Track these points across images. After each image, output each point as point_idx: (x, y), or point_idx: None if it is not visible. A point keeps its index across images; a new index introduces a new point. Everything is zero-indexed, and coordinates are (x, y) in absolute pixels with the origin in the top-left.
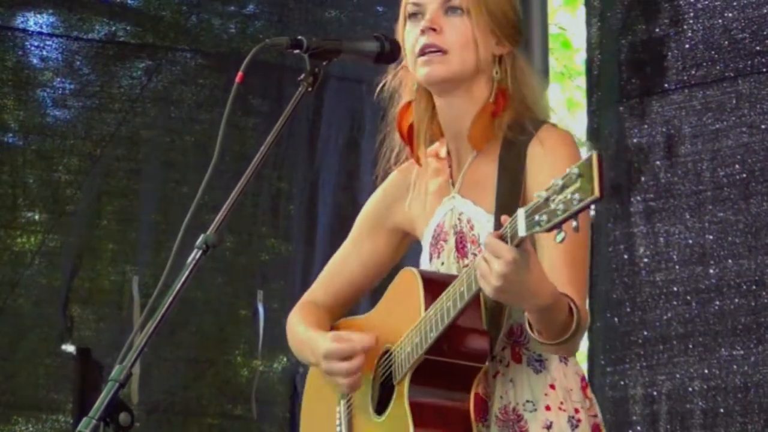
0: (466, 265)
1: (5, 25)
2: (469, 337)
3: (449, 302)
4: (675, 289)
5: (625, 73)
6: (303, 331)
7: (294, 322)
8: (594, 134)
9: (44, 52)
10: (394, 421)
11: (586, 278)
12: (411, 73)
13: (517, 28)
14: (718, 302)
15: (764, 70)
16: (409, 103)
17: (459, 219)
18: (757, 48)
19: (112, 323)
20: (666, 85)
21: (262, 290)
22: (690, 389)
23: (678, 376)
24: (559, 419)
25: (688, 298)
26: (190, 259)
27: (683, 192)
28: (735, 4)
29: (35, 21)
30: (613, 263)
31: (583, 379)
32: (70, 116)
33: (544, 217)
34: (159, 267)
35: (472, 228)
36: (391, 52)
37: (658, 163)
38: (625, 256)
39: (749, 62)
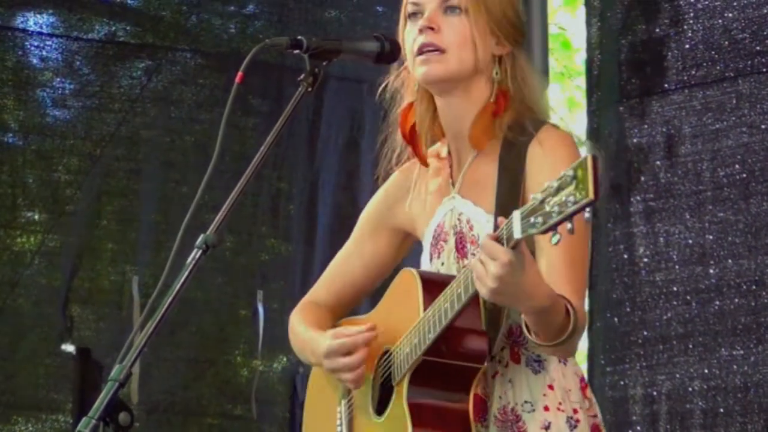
0: (466, 266)
1: (5, 25)
2: (467, 338)
3: (447, 303)
4: (675, 289)
5: (625, 73)
6: (304, 331)
7: (295, 323)
8: (594, 134)
9: (44, 52)
10: (394, 422)
11: (585, 278)
12: (412, 73)
13: (518, 28)
14: (718, 302)
15: (764, 70)
16: (411, 104)
17: (459, 219)
18: (757, 48)
19: (111, 323)
20: (666, 85)
21: (262, 290)
22: (690, 389)
23: (678, 376)
24: (557, 420)
25: (688, 298)
26: (189, 259)
27: (683, 192)
28: (735, 4)
29: (35, 21)
30: (613, 263)
31: (582, 379)
32: (70, 116)
33: (540, 219)
34: (159, 267)
35: (471, 228)
36: (391, 52)
37: (658, 163)
38: (625, 256)
39: (749, 62)
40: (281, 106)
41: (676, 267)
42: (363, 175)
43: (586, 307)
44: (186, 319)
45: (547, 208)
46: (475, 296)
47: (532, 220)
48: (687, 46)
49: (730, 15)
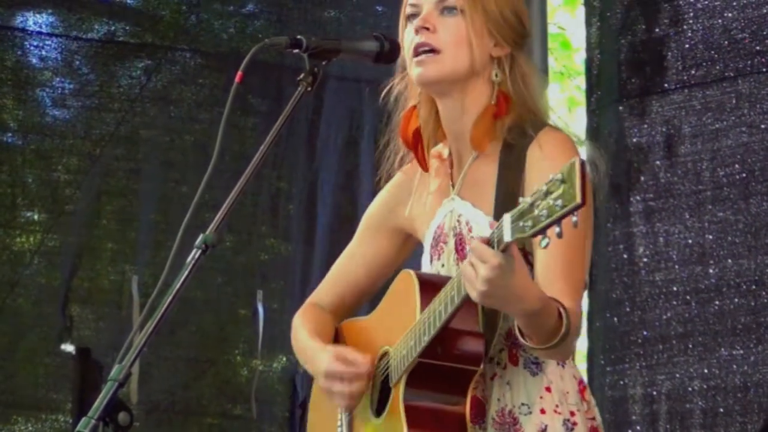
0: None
1: (4, 25)
2: (463, 340)
3: (441, 306)
4: (675, 288)
5: (625, 73)
6: (305, 338)
7: (298, 326)
8: (594, 134)
9: (43, 52)
10: (390, 423)
11: (583, 279)
12: (409, 75)
13: (517, 30)
14: (717, 302)
15: (764, 70)
16: (414, 107)
17: (458, 221)
18: (757, 48)
19: (111, 323)
20: (666, 85)
21: (262, 290)
22: (690, 389)
23: (678, 375)
24: (554, 422)
25: (688, 297)
26: (189, 258)
27: (683, 192)
28: (735, 4)
29: (34, 21)
30: (612, 263)
31: (581, 382)
32: (70, 116)
33: (529, 223)
34: (158, 266)
35: (470, 230)
36: (390, 52)
37: (657, 162)
38: (625, 256)
39: (749, 62)
40: (281, 105)
41: (676, 267)
42: (362, 175)
43: (586, 307)
44: (186, 319)
45: (536, 212)
46: (470, 298)
47: (521, 223)
48: (687, 45)
49: (730, 15)
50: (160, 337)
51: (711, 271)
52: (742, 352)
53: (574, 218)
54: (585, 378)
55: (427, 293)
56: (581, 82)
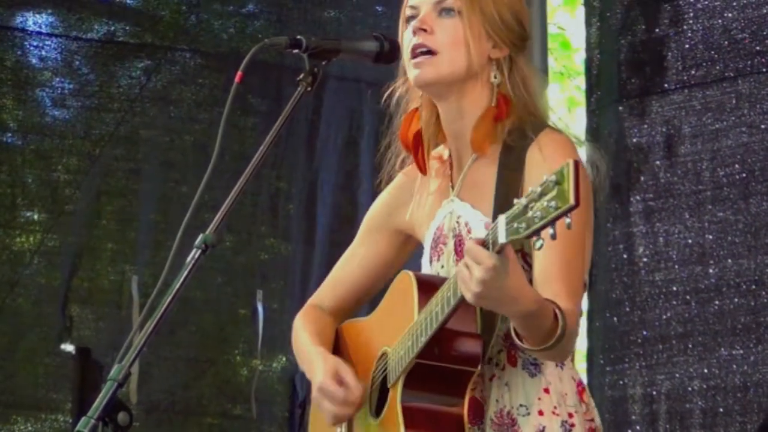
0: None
1: (4, 25)
2: (460, 341)
3: (438, 307)
4: (674, 288)
5: (625, 73)
6: (305, 341)
7: (299, 328)
8: (593, 134)
9: (43, 52)
10: (388, 424)
11: (581, 280)
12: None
13: (516, 32)
14: (717, 302)
15: (764, 70)
16: (416, 109)
17: (457, 222)
18: (757, 48)
19: (111, 323)
20: (666, 85)
21: (262, 290)
22: (689, 389)
23: (677, 375)
24: (552, 424)
25: (688, 297)
26: (189, 258)
27: (683, 192)
28: (735, 4)
29: (34, 21)
30: (612, 263)
31: (579, 383)
32: (69, 116)
33: (523, 224)
34: (158, 266)
35: (470, 231)
36: (390, 52)
37: (657, 162)
38: (625, 256)
39: (749, 62)
40: (280, 105)
41: (676, 267)
42: (362, 175)
43: (586, 307)
44: (185, 319)
45: (530, 214)
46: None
47: (515, 225)
48: (687, 46)
49: (730, 15)
50: (159, 337)
51: (711, 271)
52: (741, 352)
53: (568, 220)
54: (585, 379)
55: (425, 294)
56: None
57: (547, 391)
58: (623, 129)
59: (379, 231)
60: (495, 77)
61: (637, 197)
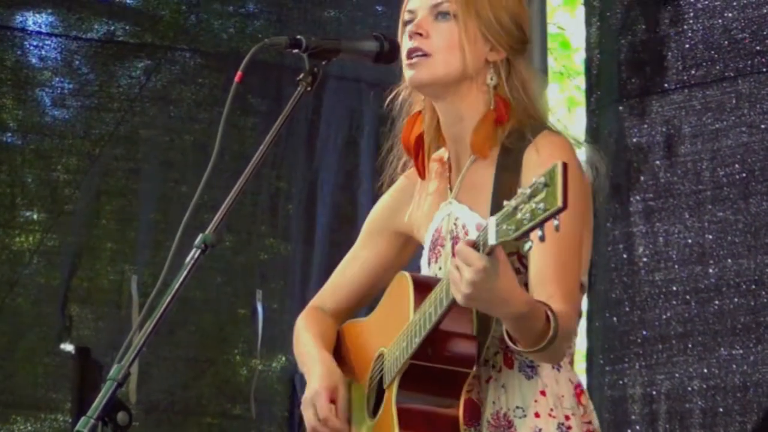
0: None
1: (4, 25)
2: (455, 342)
3: (431, 308)
4: (674, 288)
5: (625, 73)
6: (307, 343)
7: (300, 329)
8: (593, 134)
9: (43, 52)
10: (383, 424)
11: (576, 281)
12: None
13: (515, 36)
14: (717, 302)
15: (764, 70)
16: (419, 113)
17: (455, 224)
18: (757, 48)
19: (110, 322)
20: (666, 85)
21: (261, 290)
22: (689, 389)
23: (677, 375)
24: (548, 426)
25: (688, 297)
26: (188, 258)
27: (683, 192)
28: (735, 4)
29: (34, 20)
30: (612, 263)
31: (578, 386)
32: (69, 116)
33: (513, 226)
34: (158, 266)
35: (467, 233)
36: (390, 52)
37: (657, 162)
38: (625, 256)
39: (749, 62)
40: (280, 105)
41: (676, 266)
42: (362, 175)
43: (585, 307)
44: (185, 319)
45: (519, 215)
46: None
47: (505, 226)
48: (687, 45)
49: (730, 15)
50: (159, 336)
51: (711, 270)
52: (741, 351)
53: (556, 222)
54: (584, 379)
55: (421, 295)
56: (581, 82)
57: (543, 393)
58: (623, 129)
59: (380, 233)
60: (491, 79)
61: (637, 197)
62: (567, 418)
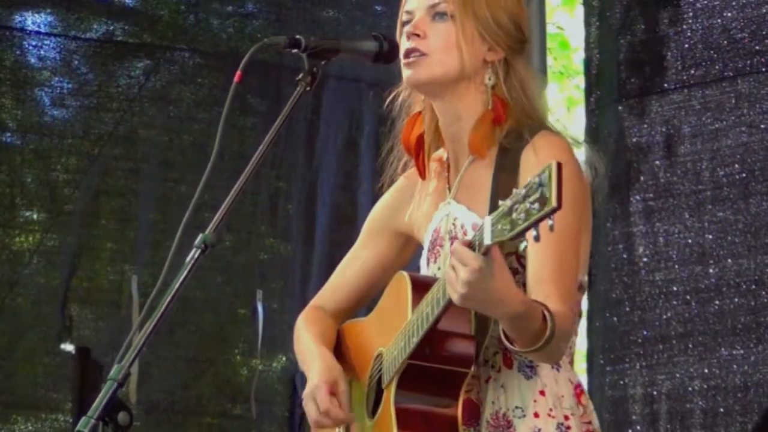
0: None
1: (3, 25)
2: (453, 342)
3: (428, 308)
4: (674, 288)
5: (624, 73)
6: (307, 342)
7: (300, 328)
8: (593, 134)
9: (42, 52)
10: (382, 424)
11: (573, 281)
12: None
13: (513, 36)
14: (717, 302)
15: (763, 69)
16: (419, 113)
17: (453, 224)
18: (757, 47)
19: (111, 322)
20: (665, 85)
21: (261, 289)
22: (690, 389)
23: (678, 375)
24: (547, 426)
25: (688, 297)
26: (188, 258)
27: (683, 191)
28: (734, 3)
29: (33, 20)
30: (612, 263)
31: (578, 386)
32: (68, 115)
33: (508, 226)
34: (158, 266)
35: (465, 233)
36: (389, 52)
37: (657, 162)
38: (625, 256)
39: (748, 62)
40: (280, 105)
41: (676, 266)
42: (362, 175)
43: (586, 307)
44: (185, 319)
45: (514, 215)
46: None
47: (500, 226)
48: (686, 45)
49: (729, 14)
50: (159, 336)
51: (711, 271)
52: (742, 352)
53: (550, 222)
54: (585, 379)
55: (419, 294)
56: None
57: (542, 393)
58: (623, 129)
59: (380, 233)
60: (489, 79)
61: (637, 197)
62: (566, 418)
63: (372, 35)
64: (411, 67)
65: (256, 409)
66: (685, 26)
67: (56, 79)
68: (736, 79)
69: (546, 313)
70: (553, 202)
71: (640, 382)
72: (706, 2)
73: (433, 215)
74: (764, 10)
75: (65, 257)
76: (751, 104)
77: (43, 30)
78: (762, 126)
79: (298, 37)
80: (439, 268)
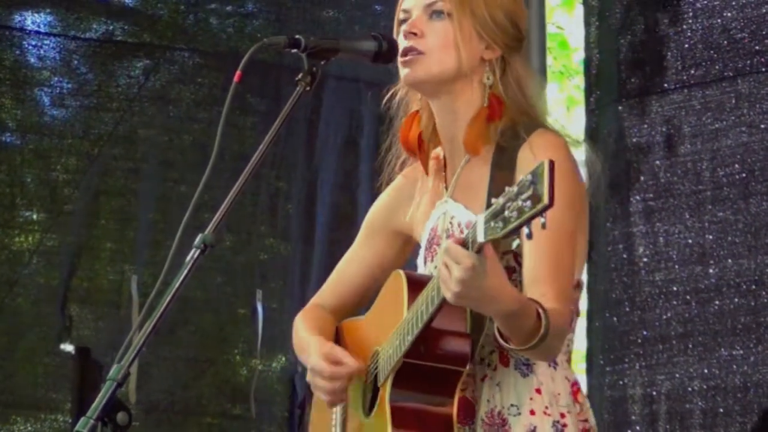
0: None
1: (3, 24)
2: (448, 340)
3: (423, 306)
4: (674, 288)
5: (624, 73)
6: (304, 333)
7: (299, 325)
8: (593, 133)
9: (42, 51)
10: (377, 423)
11: (569, 279)
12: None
13: (510, 33)
14: (717, 302)
15: (763, 69)
16: (416, 112)
17: (450, 223)
18: (757, 47)
19: (110, 322)
20: (665, 85)
21: (261, 289)
22: (689, 389)
23: (677, 375)
24: (543, 424)
25: (688, 297)
26: (188, 258)
27: (683, 191)
28: (734, 3)
29: (33, 20)
30: (612, 263)
31: (574, 384)
32: (68, 115)
33: (500, 224)
34: (157, 266)
35: (462, 232)
36: (388, 52)
37: (657, 162)
38: (625, 256)
39: (748, 62)
40: (279, 105)
41: (676, 267)
42: (361, 175)
43: (585, 307)
44: (185, 319)
45: (507, 213)
46: None
47: (493, 224)
48: (686, 45)
49: (730, 14)
50: (159, 336)
51: (711, 271)
52: (742, 352)
53: (542, 219)
54: (585, 379)
55: (414, 293)
56: (580, 81)
57: (539, 391)
58: (623, 129)
59: (379, 232)
60: (488, 78)
61: (637, 197)
62: (562, 415)
63: (371, 35)
64: (408, 66)
65: (255, 409)
66: (685, 26)
67: (56, 79)
68: (736, 79)
69: (540, 310)
70: (545, 200)
71: (639, 382)
72: (706, 2)
73: (430, 214)
74: (764, 10)
75: (65, 257)
76: (751, 104)
77: (42, 30)
78: (762, 126)
79: (297, 37)
80: (435, 267)
